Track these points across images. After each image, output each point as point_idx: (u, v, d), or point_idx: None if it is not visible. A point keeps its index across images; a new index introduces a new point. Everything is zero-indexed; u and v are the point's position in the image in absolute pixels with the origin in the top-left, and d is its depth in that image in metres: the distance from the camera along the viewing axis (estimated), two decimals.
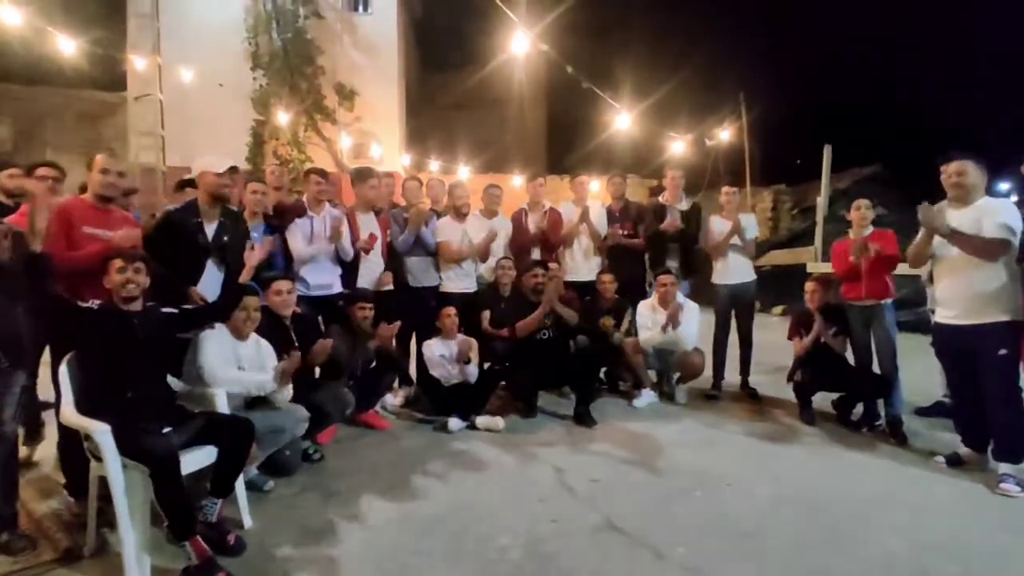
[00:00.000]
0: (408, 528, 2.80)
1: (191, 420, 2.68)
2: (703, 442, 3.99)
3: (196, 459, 2.58)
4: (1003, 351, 3.25)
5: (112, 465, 2.33)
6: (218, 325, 3.07)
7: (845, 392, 4.35)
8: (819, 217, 9.28)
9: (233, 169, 3.58)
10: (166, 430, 2.56)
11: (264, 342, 3.27)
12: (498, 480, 3.37)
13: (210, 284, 3.37)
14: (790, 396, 4.68)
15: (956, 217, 3.34)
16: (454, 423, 4.13)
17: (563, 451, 3.78)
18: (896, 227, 8.71)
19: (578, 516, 2.91)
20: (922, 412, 4.53)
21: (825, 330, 4.24)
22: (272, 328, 3.42)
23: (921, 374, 4.84)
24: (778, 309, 10.30)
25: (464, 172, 10.99)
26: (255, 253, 3.21)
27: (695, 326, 4.79)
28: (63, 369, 2.56)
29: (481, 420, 4.17)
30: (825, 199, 9.54)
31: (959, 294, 3.38)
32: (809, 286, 4.43)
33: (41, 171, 3.59)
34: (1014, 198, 6.65)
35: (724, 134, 9.02)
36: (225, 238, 3.47)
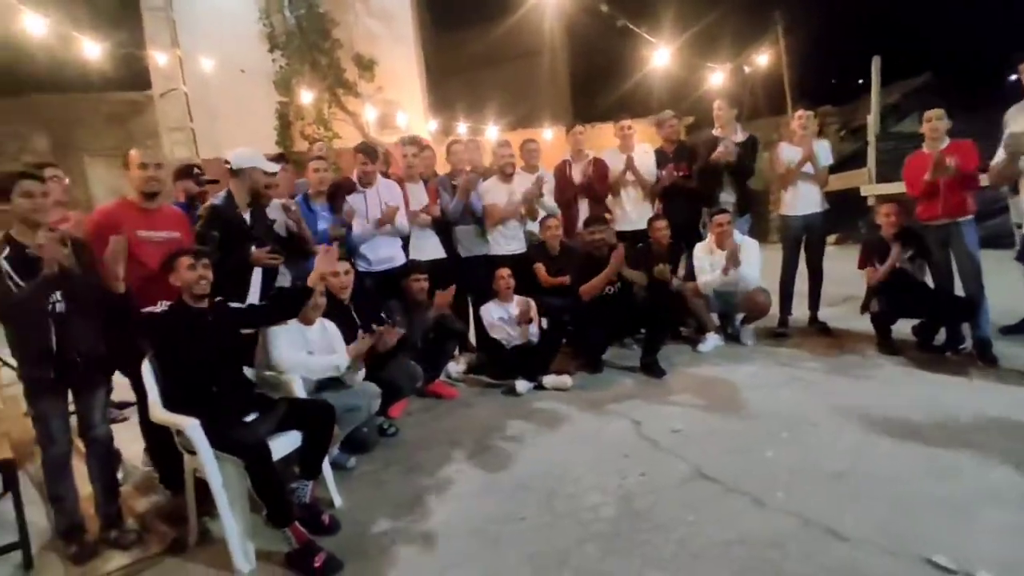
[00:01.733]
0: (496, 495, 2.79)
1: (273, 407, 2.70)
2: (779, 382, 3.87)
3: (283, 445, 2.60)
4: None
5: (207, 459, 2.37)
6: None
7: (926, 317, 4.13)
8: (871, 136, 8.80)
9: (280, 157, 3.53)
10: (251, 418, 2.59)
11: (330, 324, 3.27)
12: (577, 439, 3.34)
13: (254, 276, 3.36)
14: (861, 327, 4.51)
15: None
16: (521, 385, 4.10)
17: (637, 404, 3.72)
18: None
19: (666, 468, 2.86)
20: (1009, 331, 4.30)
21: (901, 256, 4.01)
22: (332, 310, 3.41)
23: (1004, 291, 4.58)
24: (832, 238, 9.89)
25: (493, 131, 10.76)
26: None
27: (757, 264, 4.61)
28: (146, 368, 2.59)
29: (548, 379, 4.13)
30: (876, 116, 9.01)
31: None
32: (883, 210, 4.18)
33: (49, 171, 3.40)
34: None
35: (761, 59, 8.53)
36: (259, 226, 3.45)
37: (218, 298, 2.76)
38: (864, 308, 4.36)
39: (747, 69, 8.69)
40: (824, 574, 2.02)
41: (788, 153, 4.78)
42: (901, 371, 3.83)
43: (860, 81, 10.70)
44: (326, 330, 3.24)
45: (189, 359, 2.51)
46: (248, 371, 2.96)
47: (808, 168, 4.70)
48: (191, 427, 2.38)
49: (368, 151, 4.34)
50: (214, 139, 10.53)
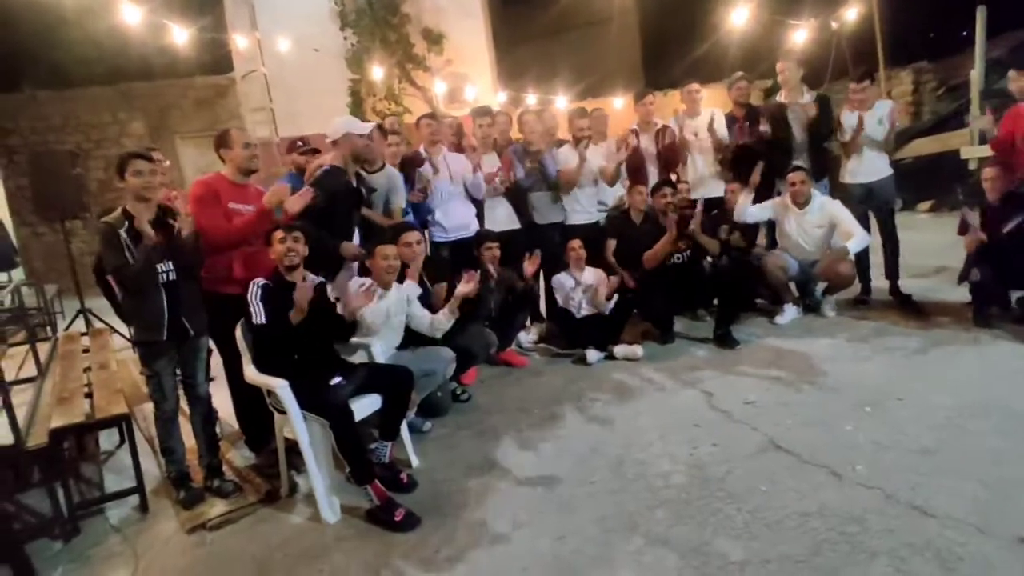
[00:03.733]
0: (566, 460, 2.85)
1: (355, 372, 2.85)
2: (862, 356, 3.70)
3: (364, 407, 2.74)
4: None
5: (296, 417, 2.54)
6: (362, 279, 3.21)
7: None
8: (974, 93, 8.09)
9: (379, 128, 3.69)
10: (336, 381, 2.74)
11: (404, 285, 3.39)
12: (646, 408, 3.34)
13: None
14: (955, 299, 4.23)
15: None
16: (592, 355, 4.12)
17: (709, 375, 3.66)
18: None
19: (739, 439, 2.83)
20: None
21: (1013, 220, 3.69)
22: (403, 279, 3.52)
23: None
24: (925, 205, 9.24)
25: (562, 102, 10.62)
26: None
27: (850, 220, 4.35)
28: (239, 332, 2.79)
29: (619, 349, 4.13)
30: (980, 72, 8.26)
31: None
32: (987, 173, 3.87)
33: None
34: None
35: (851, 13, 7.93)
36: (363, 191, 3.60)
37: (319, 279, 2.91)
38: (962, 278, 4.07)
39: (834, 24, 8.12)
40: (907, 551, 1.95)
41: (850, 120, 4.50)
42: (1000, 346, 3.58)
43: (964, 34, 9.80)
44: (401, 292, 3.35)
45: (282, 327, 2.65)
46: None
47: (874, 133, 4.43)
48: (282, 387, 2.56)
49: (432, 116, 4.45)
50: (292, 118, 10.96)
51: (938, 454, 2.50)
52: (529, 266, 4.20)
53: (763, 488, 2.39)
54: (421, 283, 3.61)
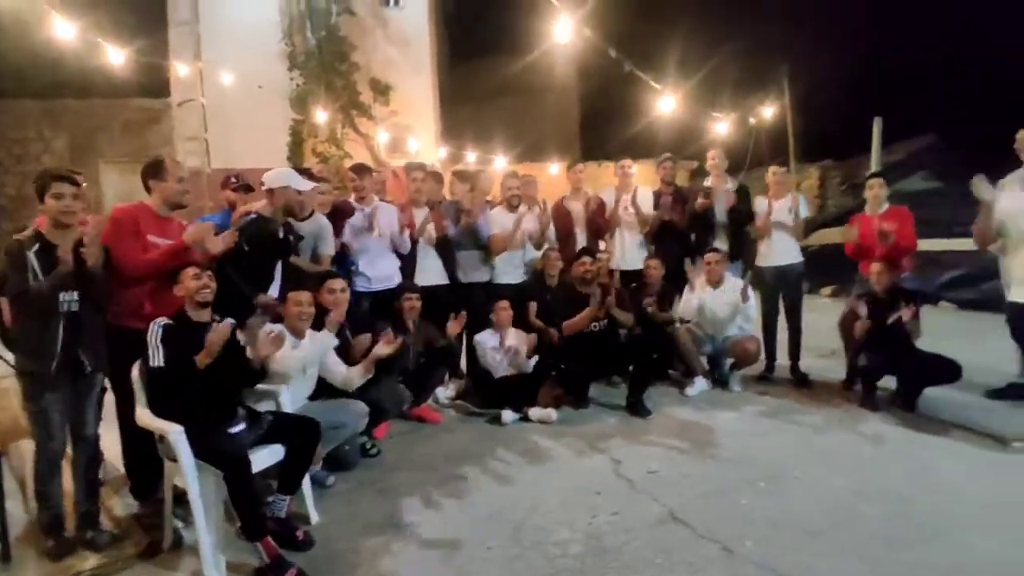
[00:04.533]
0: (467, 523, 2.81)
1: (259, 420, 2.75)
2: (762, 431, 3.89)
3: (264, 457, 2.64)
4: None
5: (188, 466, 2.40)
6: (273, 325, 3.12)
7: (911, 377, 4.16)
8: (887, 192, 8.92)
9: (306, 172, 3.71)
10: (237, 429, 2.63)
11: (319, 334, 3.31)
12: (554, 473, 3.36)
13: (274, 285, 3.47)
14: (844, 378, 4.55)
15: None
16: (507, 415, 4.13)
17: (618, 442, 3.74)
18: (955, 200, 8.36)
19: (638, 509, 2.88)
20: (994, 395, 4.31)
21: (908, 313, 4.03)
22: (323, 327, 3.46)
23: (990, 354, 4.63)
24: (827, 290, 9.97)
25: (500, 162, 10.94)
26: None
27: (753, 305, 4.69)
28: (135, 373, 2.64)
29: (534, 412, 4.16)
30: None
31: None
32: (875, 267, 4.25)
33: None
34: None
35: (767, 111, 8.73)
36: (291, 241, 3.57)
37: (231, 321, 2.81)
38: (853, 362, 4.40)
39: (752, 120, 8.87)
40: None
41: (762, 205, 4.93)
42: (885, 428, 3.84)
43: (870, 136, 10.88)
44: (315, 341, 3.27)
45: (182, 369, 2.53)
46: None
47: (784, 219, 4.82)
48: (175, 433, 2.42)
49: (361, 169, 4.49)
50: (227, 150, 10.75)
51: (827, 534, 2.61)
52: (454, 325, 4.22)
53: (657, 561, 2.43)
54: (341, 333, 3.55)
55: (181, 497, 2.55)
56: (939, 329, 4.32)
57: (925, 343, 4.19)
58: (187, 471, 2.41)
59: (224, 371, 2.62)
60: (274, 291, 3.45)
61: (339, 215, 4.25)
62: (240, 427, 2.66)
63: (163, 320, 2.60)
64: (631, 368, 4.47)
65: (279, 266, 3.53)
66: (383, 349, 3.25)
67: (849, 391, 4.51)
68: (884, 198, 4.56)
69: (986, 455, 3.40)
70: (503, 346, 4.40)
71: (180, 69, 9.37)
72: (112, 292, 2.76)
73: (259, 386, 2.94)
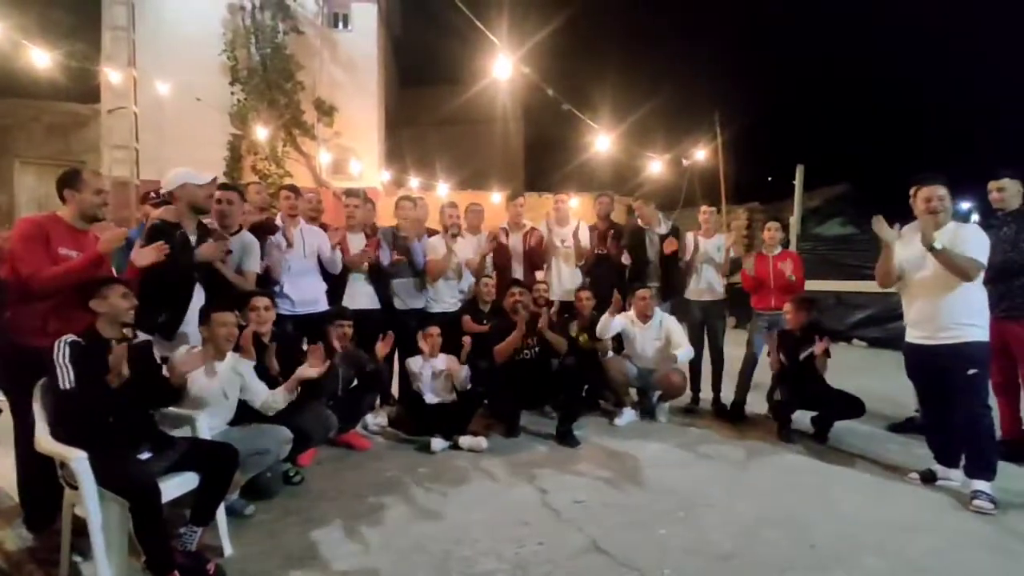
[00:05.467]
0: (390, 554, 2.76)
1: (172, 446, 2.63)
2: (685, 461, 4.02)
3: (176, 486, 2.52)
4: (973, 370, 3.34)
5: (89, 495, 2.27)
6: (198, 346, 3.02)
7: (822, 411, 4.41)
8: (792, 236, 9.49)
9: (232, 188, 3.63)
10: (146, 456, 2.50)
11: (240, 358, 3.21)
12: (481, 502, 3.35)
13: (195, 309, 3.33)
14: (763, 411, 4.77)
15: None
16: (437, 443, 4.10)
17: (547, 472, 3.77)
18: (865, 244, 8.97)
19: (564, 538, 2.91)
20: (895, 428, 4.63)
21: (820, 348, 4.30)
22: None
23: (893, 390, 4.97)
24: (730, 322, 10.47)
25: (443, 189, 11.01)
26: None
27: (683, 337, 4.87)
28: (37, 394, 2.49)
29: (464, 440, 4.15)
30: (798, 218, 9.77)
31: (929, 315, 3.46)
32: (789, 306, 4.52)
33: None
34: (975, 218, 6.88)
35: (700, 153, 9.22)
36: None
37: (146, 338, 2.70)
38: (770, 396, 4.63)
39: (686, 161, 9.34)
40: None
41: (690, 243, 5.24)
42: (797, 459, 4.05)
43: (791, 183, 11.58)
44: (237, 365, 3.17)
45: (95, 391, 2.41)
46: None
47: (713, 256, 5.10)
48: (77, 460, 2.29)
49: (294, 190, 4.44)
50: (159, 162, 10.36)
51: (734, 560, 2.72)
52: (381, 347, 4.19)
53: None
54: (265, 356, 3.46)
55: (81, 528, 2.39)
56: (850, 366, 4.63)
57: (839, 378, 4.48)
58: (88, 500, 2.27)
59: (137, 392, 2.50)
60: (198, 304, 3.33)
61: (261, 232, 4.18)
62: (150, 453, 2.54)
63: (70, 337, 2.46)
64: (561, 398, 4.54)
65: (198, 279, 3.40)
66: (308, 371, 3.19)
67: (769, 422, 4.73)
68: (779, 240, 5.06)
69: (884, 484, 3.62)
70: (434, 373, 4.39)
71: (112, 75, 9.03)
72: (12, 307, 2.60)
73: (174, 410, 2.82)
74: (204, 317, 3.04)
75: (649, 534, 2.96)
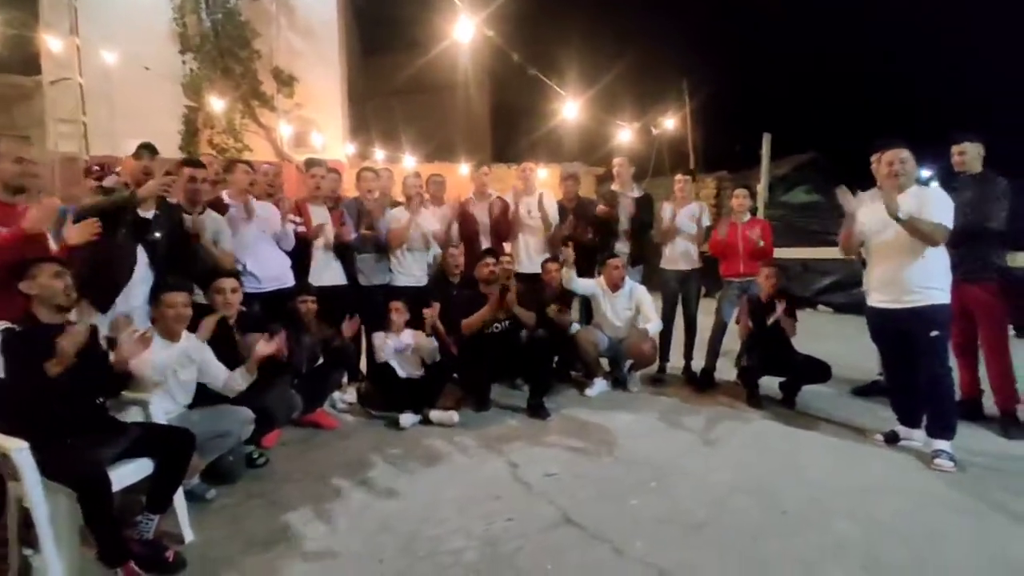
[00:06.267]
0: (359, 536, 2.70)
1: (123, 432, 2.50)
2: (656, 430, 4.03)
3: (129, 473, 2.41)
4: (934, 332, 3.38)
5: (33, 488, 2.14)
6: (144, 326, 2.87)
7: (789, 377, 4.46)
8: (759, 204, 9.53)
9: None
10: (94, 444, 2.37)
11: (195, 339, 3.08)
12: (452, 478, 3.30)
13: (142, 287, 3.17)
14: (733, 378, 4.82)
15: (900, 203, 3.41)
16: (406, 419, 4.03)
17: (518, 445, 3.74)
18: (830, 212, 9.06)
19: (534, 512, 2.88)
20: (859, 391, 4.72)
21: (783, 314, 4.33)
22: (215, 331, 3.24)
23: (857, 354, 5.05)
24: (719, 293, 10.59)
25: (410, 161, 10.76)
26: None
27: (652, 309, 4.85)
28: None
29: (434, 414, 4.09)
30: (765, 186, 9.79)
31: (892, 279, 3.48)
32: (764, 272, 4.53)
33: None
34: (935, 184, 6.99)
35: (669, 122, 9.14)
36: (158, 233, 3.28)
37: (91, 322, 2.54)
38: (738, 363, 4.66)
39: (654, 130, 9.26)
40: None
41: (667, 212, 5.15)
42: (766, 425, 4.09)
43: (758, 152, 11.60)
44: (191, 347, 3.04)
45: (33, 381, 2.26)
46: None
47: (688, 227, 5.04)
48: (17, 451, 2.15)
49: (249, 164, 4.28)
50: (110, 136, 9.86)
51: (707, 529, 2.72)
52: (347, 328, 4.08)
53: (548, 566, 2.43)
54: (230, 335, 3.33)
55: (30, 520, 2.27)
56: (816, 331, 4.67)
57: (805, 344, 4.52)
58: (32, 492, 2.14)
59: (82, 378, 2.36)
60: (141, 282, 3.17)
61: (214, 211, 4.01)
62: (99, 441, 2.40)
63: (2, 324, 2.30)
64: (532, 370, 4.50)
65: (143, 252, 3.25)
66: (264, 348, 3.07)
67: (738, 389, 4.77)
68: (748, 208, 5.04)
69: (850, 447, 3.68)
70: (401, 349, 4.30)
71: (52, 43, 8.51)
72: None
73: (126, 394, 2.68)
74: (153, 298, 2.89)
75: (621, 505, 2.95)
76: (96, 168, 3.90)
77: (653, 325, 4.73)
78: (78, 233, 2.75)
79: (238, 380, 3.06)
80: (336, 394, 4.48)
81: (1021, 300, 5.18)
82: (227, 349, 3.22)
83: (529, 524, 2.76)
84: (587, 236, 5.16)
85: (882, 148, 3.58)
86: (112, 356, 2.54)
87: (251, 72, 10.45)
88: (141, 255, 3.25)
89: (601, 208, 5.07)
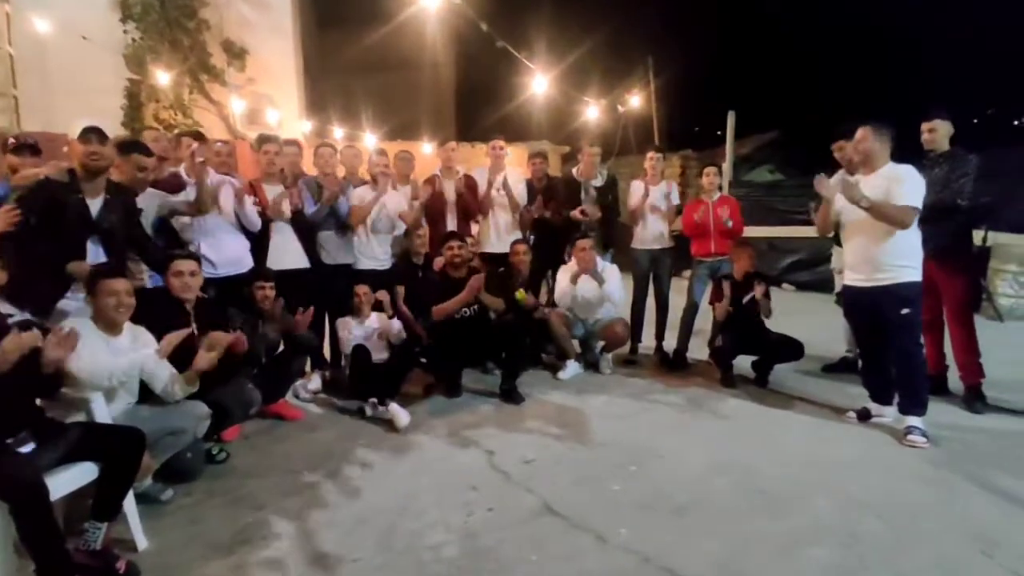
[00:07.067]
0: (331, 531, 2.55)
1: (62, 434, 2.26)
2: (631, 412, 3.97)
3: (70, 479, 2.19)
4: (905, 310, 3.39)
5: None
6: (81, 318, 2.62)
7: (762, 356, 4.45)
8: (724, 182, 9.58)
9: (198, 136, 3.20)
10: (28, 448, 2.14)
11: (142, 331, 2.82)
12: (426, 468, 3.17)
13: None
14: (706, 357, 4.79)
15: (867, 185, 3.40)
16: (371, 408, 3.85)
17: (492, 432, 3.62)
18: (794, 191, 9.16)
19: (514, 502, 2.78)
20: (829, 369, 4.75)
21: (760, 292, 4.31)
22: (168, 316, 3.00)
23: (824, 332, 5.09)
24: (688, 273, 10.64)
25: (370, 139, 10.41)
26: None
27: (618, 284, 4.76)
28: None
29: (393, 407, 3.77)
30: (730, 164, 9.86)
31: (864, 258, 3.48)
32: (735, 252, 4.49)
33: None
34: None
35: (634, 100, 9.04)
36: (113, 217, 3.02)
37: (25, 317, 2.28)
38: (711, 342, 4.63)
39: (621, 108, 9.15)
40: None
41: (639, 190, 5.04)
42: (740, 405, 4.07)
43: (719, 132, 11.63)
44: (137, 339, 2.79)
45: None
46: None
47: (659, 204, 4.97)
48: None
49: (198, 135, 4.06)
50: (46, 111, 9.20)
51: (689, 512, 2.67)
52: (302, 321, 3.87)
53: (532, 557, 2.34)
54: (188, 325, 3.08)
55: None
56: (781, 309, 4.66)
57: (772, 322, 4.51)
58: None
59: (13, 378, 2.11)
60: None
61: (165, 189, 3.73)
62: (31, 445, 2.17)
63: None
64: (503, 354, 4.38)
65: (94, 246, 2.98)
66: (203, 360, 2.82)
67: (711, 368, 4.74)
68: (717, 186, 5.00)
69: (824, 424, 3.69)
70: (367, 335, 4.12)
71: None
72: None
73: (66, 391, 2.44)
74: (90, 285, 2.63)
75: (602, 491, 2.87)
76: (12, 140, 3.55)
77: (615, 302, 4.73)
78: None
79: (177, 392, 2.79)
80: (299, 383, 4.28)
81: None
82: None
83: (509, 514, 2.66)
84: (557, 217, 5.02)
85: (844, 136, 3.58)
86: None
87: (199, 44, 9.90)
88: (92, 250, 2.99)
89: (579, 211, 4.92)
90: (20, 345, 2.08)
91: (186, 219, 3.81)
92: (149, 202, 3.59)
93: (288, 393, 4.09)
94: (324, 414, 4.04)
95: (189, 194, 3.79)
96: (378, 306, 4.29)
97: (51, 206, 2.80)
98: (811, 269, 8.68)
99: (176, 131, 9.05)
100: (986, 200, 4.03)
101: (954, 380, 4.06)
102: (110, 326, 2.65)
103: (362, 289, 4.19)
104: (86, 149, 2.90)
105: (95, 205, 3.01)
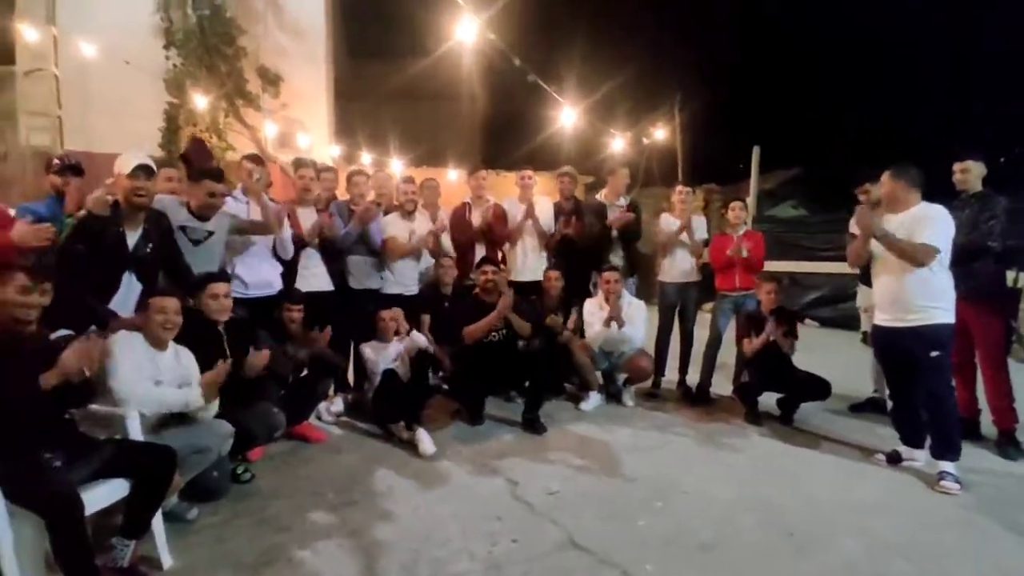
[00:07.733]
0: (355, 556, 2.55)
1: (96, 450, 2.30)
2: (656, 446, 3.92)
3: (102, 495, 2.22)
4: (935, 353, 3.32)
5: None
6: (131, 333, 2.69)
7: (789, 393, 4.39)
8: (748, 219, 9.56)
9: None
10: (58, 463, 2.17)
11: (185, 351, 2.89)
12: (450, 496, 3.15)
13: (127, 299, 3.00)
14: (728, 392, 4.73)
15: (893, 222, 3.39)
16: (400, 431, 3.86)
17: (516, 461, 3.60)
18: (818, 227, 9.12)
19: (539, 534, 2.74)
20: (856, 408, 4.66)
21: (776, 331, 4.27)
22: (202, 336, 3.06)
23: (849, 370, 5.02)
24: (708, 306, 10.56)
25: (397, 165, 10.60)
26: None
27: (642, 325, 4.74)
28: None
29: (418, 434, 3.79)
30: (754, 199, 9.85)
31: (892, 297, 3.43)
32: (765, 287, 4.46)
33: None
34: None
35: (659, 133, 9.11)
36: (148, 248, 3.10)
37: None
38: (736, 379, 4.58)
39: (646, 140, 9.23)
40: None
41: (668, 223, 5.04)
42: (766, 442, 4.01)
43: (741, 166, 11.66)
44: (180, 358, 2.86)
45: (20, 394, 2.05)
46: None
47: (685, 239, 4.97)
48: None
49: (257, 159, 4.12)
50: (87, 132, 9.53)
51: (715, 550, 2.62)
52: (320, 337, 3.92)
53: None
54: (220, 345, 3.14)
55: None
56: (804, 345, 4.60)
57: (794, 358, 4.46)
58: None
59: (47, 394, 2.14)
60: (125, 306, 3.00)
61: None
62: (67, 460, 2.20)
63: None
64: (528, 383, 4.37)
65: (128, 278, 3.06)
66: (213, 374, 2.87)
67: (734, 404, 4.68)
68: (743, 220, 5.00)
69: (852, 465, 3.61)
70: (391, 359, 4.14)
71: (28, 33, 8.20)
72: None
73: (98, 408, 2.48)
74: (141, 303, 2.71)
75: (627, 525, 2.83)
76: (56, 161, 3.67)
77: (636, 341, 4.69)
78: (28, 234, 2.59)
79: (209, 411, 2.87)
80: (322, 405, 4.30)
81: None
82: (214, 359, 3.02)
83: (534, 546, 2.63)
84: (580, 234, 5.03)
85: (870, 179, 3.61)
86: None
87: (236, 70, 10.21)
88: (126, 278, 3.07)
89: (617, 216, 4.95)
90: (81, 356, 2.12)
91: (251, 238, 3.91)
92: (220, 222, 3.66)
93: (312, 415, 4.11)
94: (347, 436, 4.05)
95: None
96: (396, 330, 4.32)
97: (93, 238, 2.88)
98: (833, 305, 8.59)
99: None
100: (1011, 243, 3.95)
101: (987, 424, 3.97)
102: (157, 342, 2.72)
103: (388, 314, 4.22)
104: (133, 185, 2.97)
105: (133, 238, 3.06)
